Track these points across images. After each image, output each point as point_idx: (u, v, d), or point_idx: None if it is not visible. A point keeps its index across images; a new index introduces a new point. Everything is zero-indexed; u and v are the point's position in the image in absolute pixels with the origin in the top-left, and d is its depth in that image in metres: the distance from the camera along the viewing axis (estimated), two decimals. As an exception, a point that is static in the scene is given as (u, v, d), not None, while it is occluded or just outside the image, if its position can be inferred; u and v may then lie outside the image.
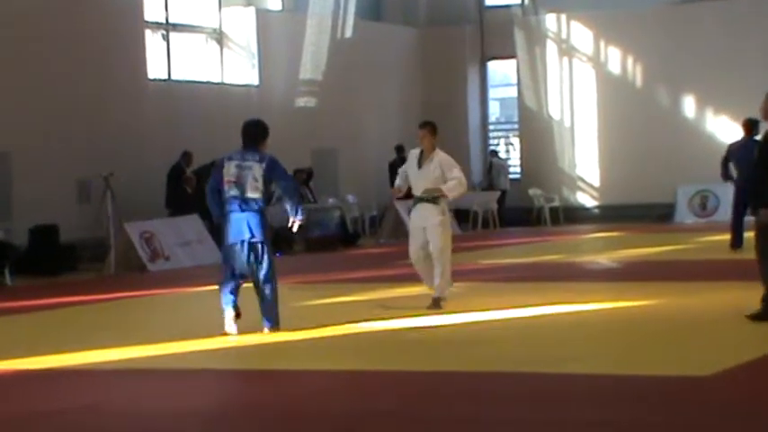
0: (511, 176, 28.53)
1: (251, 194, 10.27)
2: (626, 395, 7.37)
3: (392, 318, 11.05)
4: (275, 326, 10.37)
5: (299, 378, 8.45)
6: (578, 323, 9.94)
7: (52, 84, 19.70)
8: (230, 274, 10.38)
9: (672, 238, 20.93)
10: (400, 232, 23.79)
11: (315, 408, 7.33)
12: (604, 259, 18.02)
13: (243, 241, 10.25)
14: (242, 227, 10.27)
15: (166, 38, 22.80)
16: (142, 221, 18.73)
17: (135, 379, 8.65)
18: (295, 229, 10.72)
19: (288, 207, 10.55)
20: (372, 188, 26.71)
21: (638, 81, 27.50)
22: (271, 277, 10.41)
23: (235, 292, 10.39)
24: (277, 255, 20.50)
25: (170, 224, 19.04)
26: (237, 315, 10.34)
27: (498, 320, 10.76)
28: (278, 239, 21.78)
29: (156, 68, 22.26)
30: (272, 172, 10.35)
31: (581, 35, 27.89)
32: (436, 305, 11.50)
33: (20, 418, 7.30)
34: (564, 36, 28.10)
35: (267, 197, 10.51)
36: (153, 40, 22.39)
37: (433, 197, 11.62)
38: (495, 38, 28.98)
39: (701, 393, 7.38)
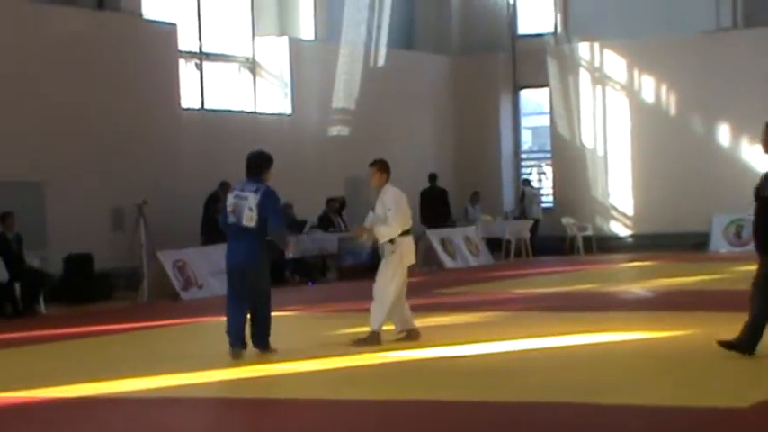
0: (543, 205, 28.44)
1: (246, 223, 10.72)
2: (662, 426, 7.28)
3: (424, 347, 10.99)
4: (266, 348, 10.82)
5: (330, 408, 8.40)
6: (612, 353, 9.86)
7: (86, 113, 19.83)
8: (231, 298, 10.82)
9: (706, 267, 20.76)
10: (432, 261, 23.76)
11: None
12: (638, 289, 17.89)
13: (237, 267, 10.72)
14: (237, 254, 10.76)
15: (200, 67, 22.94)
16: (175, 250, 18.78)
17: (165, 408, 8.64)
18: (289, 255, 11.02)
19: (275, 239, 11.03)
20: (405, 217, 26.62)
21: (672, 109, 27.39)
22: (264, 303, 10.83)
23: (239, 319, 10.70)
24: (309, 284, 20.76)
25: (203, 253, 19.08)
26: (243, 346, 10.71)
27: (531, 350, 10.69)
28: (311, 268, 21.85)
29: (189, 98, 22.38)
30: (264, 204, 10.74)
31: (614, 63, 27.83)
32: (369, 339, 11.33)
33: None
34: (597, 64, 28.05)
35: (264, 224, 10.75)
36: (187, 70, 22.53)
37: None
38: (527, 66, 28.97)
39: (738, 425, 7.29)
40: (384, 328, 11.50)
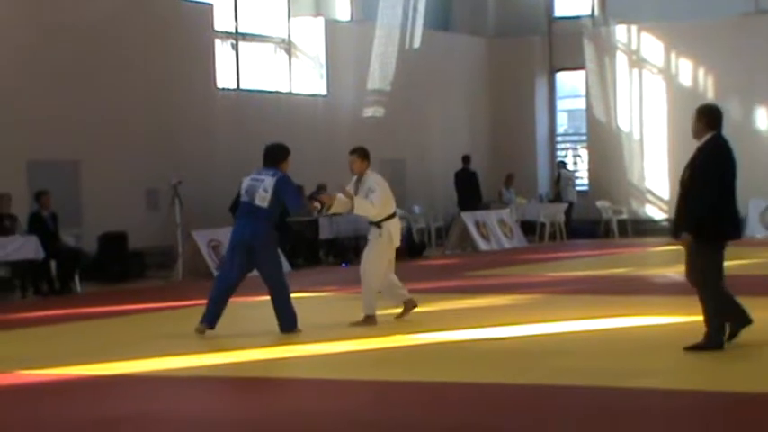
0: (578, 188, 28.31)
1: (258, 203, 10.98)
2: (700, 410, 7.24)
3: (455, 329, 10.98)
4: (287, 328, 10.96)
5: (360, 387, 8.40)
6: (647, 337, 9.80)
7: (122, 93, 19.91)
8: (222, 277, 11.26)
9: (742, 252, 20.56)
10: (467, 243, 23.72)
11: (378, 417, 7.28)
12: (672, 273, 17.76)
13: (244, 242, 10.95)
14: (244, 230, 11.02)
15: (236, 48, 22.96)
16: (210, 230, 18.84)
17: (198, 386, 8.67)
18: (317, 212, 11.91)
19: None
20: (439, 199, 26.65)
21: (710, 93, 27.15)
22: (279, 288, 11.04)
23: (220, 300, 11.07)
24: (343, 265, 20.77)
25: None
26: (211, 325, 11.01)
27: (566, 333, 10.65)
28: (344, 249, 21.86)
29: (225, 78, 22.41)
30: (281, 187, 11.01)
31: (651, 46, 27.61)
32: (365, 322, 11.50)
33: (92, 424, 7.34)
34: (634, 47, 27.84)
35: (276, 208, 11.06)
36: (222, 50, 22.55)
37: (376, 221, 11.76)
38: (563, 49, 28.81)
39: (764, 410, 7.23)
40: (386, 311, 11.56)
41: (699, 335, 9.28)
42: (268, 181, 10.99)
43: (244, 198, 11.13)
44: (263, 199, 10.94)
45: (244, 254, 10.97)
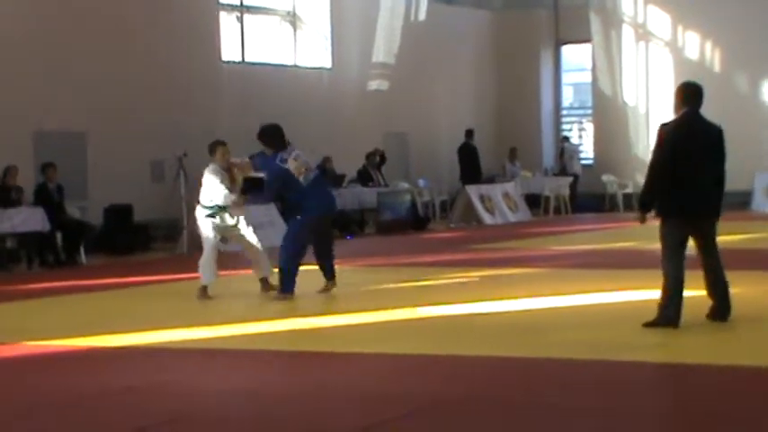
0: (583, 162, 28.30)
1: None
2: (702, 385, 7.27)
3: (458, 302, 11.01)
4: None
5: (366, 360, 8.44)
6: (652, 310, 9.79)
7: (127, 65, 19.89)
8: (304, 246, 11.87)
9: (748, 226, 20.61)
10: (471, 217, 23.73)
11: (385, 389, 7.32)
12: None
13: (332, 211, 12.33)
14: (330, 199, 12.27)
15: (241, 20, 22.91)
16: (215, 202, 18.82)
17: (204, 358, 8.71)
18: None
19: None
20: (443, 172, 26.64)
21: (716, 66, 27.09)
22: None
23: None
24: (348, 237, 20.79)
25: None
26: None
27: (569, 306, 10.68)
28: (349, 222, 21.89)
29: (230, 50, 22.38)
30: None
31: (658, 19, 27.52)
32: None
33: (91, 395, 7.39)
34: (640, 20, 27.75)
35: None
36: (227, 23, 22.51)
37: None
38: (569, 22, 28.72)
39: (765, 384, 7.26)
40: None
41: (702, 308, 9.31)
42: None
43: (308, 176, 11.69)
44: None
45: (328, 222, 12.17)
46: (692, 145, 9.09)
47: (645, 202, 9.20)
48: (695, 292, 10.69)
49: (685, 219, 9.12)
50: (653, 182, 9.10)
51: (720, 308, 9.31)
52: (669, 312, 9.05)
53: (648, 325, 9.08)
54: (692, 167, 9.10)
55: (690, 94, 9.20)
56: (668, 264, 9.11)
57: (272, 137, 11.82)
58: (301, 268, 11.69)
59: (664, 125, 9.20)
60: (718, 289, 9.30)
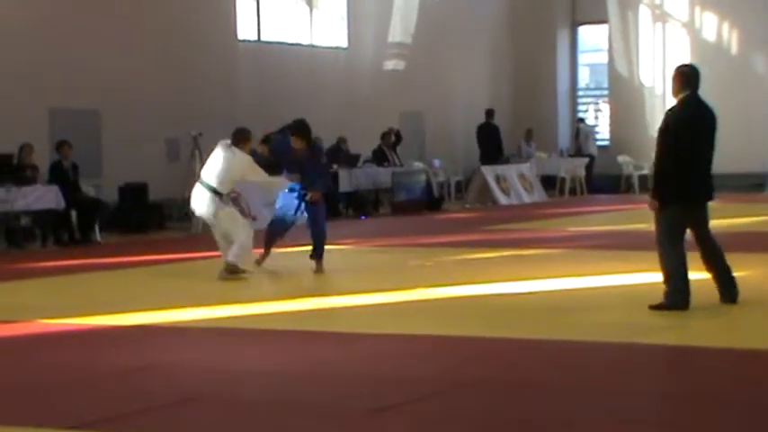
0: (599, 143, 28.20)
1: None
2: (717, 367, 7.25)
3: (477, 283, 10.98)
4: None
5: (381, 341, 8.43)
6: (662, 292, 9.73)
7: (143, 43, 19.88)
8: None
9: (763, 209, 20.53)
10: (486, 197, 23.69)
11: (400, 371, 7.31)
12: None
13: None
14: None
15: (257, -1, 22.85)
16: (230, 182, 18.82)
17: (218, 338, 8.71)
18: None
19: None
20: (459, 153, 26.59)
21: (734, 48, 26.93)
22: None
23: None
24: (362, 217, 20.77)
25: (257, 185, 19.10)
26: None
27: (585, 288, 10.65)
28: (364, 202, 21.87)
29: (246, 29, 22.34)
30: None
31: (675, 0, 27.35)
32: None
33: (104, 374, 7.39)
34: (657, 1, 27.58)
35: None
36: (243, 2, 22.45)
37: None
38: (586, 2, 28.60)
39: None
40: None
41: (709, 290, 9.28)
42: None
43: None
44: None
45: None
46: (701, 128, 9.08)
47: (663, 189, 9.05)
48: (701, 275, 10.68)
49: (693, 203, 9.09)
50: (670, 168, 8.98)
51: (729, 290, 9.25)
52: (680, 297, 9.02)
53: (656, 308, 9.05)
54: (702, 151, 9.10)
55: (691, 77, 9.14)
56: (673, 249, 9.06)
57: (309, 131, 12.27)
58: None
59: (671, 110, 9.13)
60: (723, 272, 9.25)
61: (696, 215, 9.19)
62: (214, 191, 11.90)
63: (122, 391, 6.89)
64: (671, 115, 9.09)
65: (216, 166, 12.03)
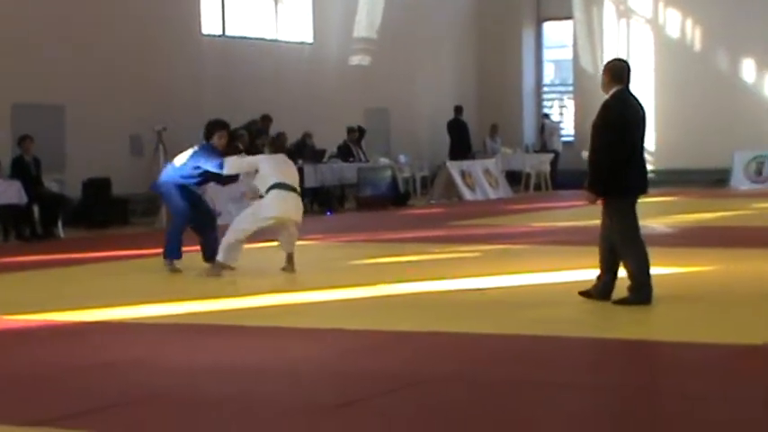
0: (564, 139, 28.31)
1: None
2: (674, 361, 7.28)
3: (441, 278, 10.98)
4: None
5: (345, 336, 8.41)
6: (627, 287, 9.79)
7: (107, 38, 19.75)
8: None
9: (727, 203, 20.68)
10: (451, 193, 23.71)
11: (365, 366, 7.29)
12: (657, 224, 17.81)
13: None
14: None
15: (221, -7, 22.75)
16: (194, 177, 18.74)
17: (181, 334, 8.66)
18: None
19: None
20: (424, 148, 26.61)
21: (697, 44, 27.11)
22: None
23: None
24: (327, 213, 20.74)
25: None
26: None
27: (550, 283, 10.67)
28: (329, 198, 21.83)
29: (211, 24, 22.24)
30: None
31: (639, -4, 27.50)
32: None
33: (71, 370, 7.34)
34: (622, -3, 27.70)
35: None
36: (208, -4, 22.36)
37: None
38: (551, -2, 28.67)
39: (751, 363, 7.26)
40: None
41: (683, 286, 9.33)
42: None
43: None
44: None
45: None
46: (635, 122, 9.14)
47: (602, 184, 9.06)
48: (670, 269, 10.72)
49: (636, 196, 9.13)
50: (607, 163, 9.00)
51: (606, 286, 9.23)
52: (644, 291, 9.06)
53: (619, 302, 9.08)
54: (639, 145, 9.19)
55: (621, 72, 9.19)
56: (634, 245, 9.09)
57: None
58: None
59: (607, 103, 9.15)
60: (613, 268, 9.25)
61: (631, 209, 9.21)
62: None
63: (83, 388, 6.83)
64: (605, 109, 9.12)
65: (288, 167, 11.94)
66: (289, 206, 11.64)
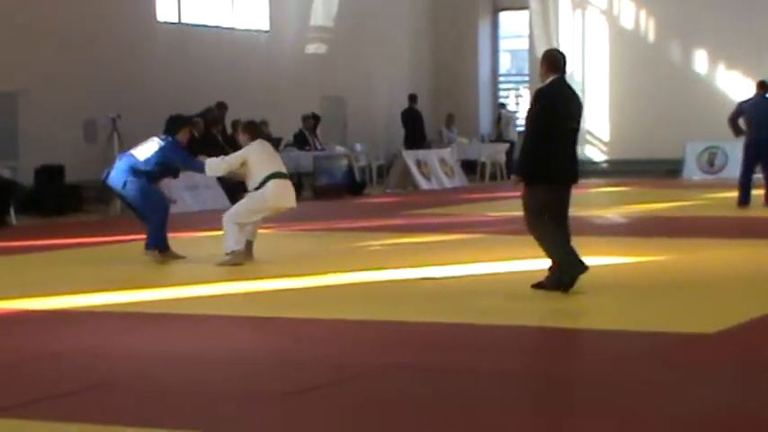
0: (519, 129, 28.39)
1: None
2: (625, 351, 7.34)
3: (395, 267, 11.01)
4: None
5: (304, 325, 8.42)
6: (583, 277, 9.89)
7: (61, 24, 19.58)
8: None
9: (679, 194, 20.87)
10: (407, 182, 23.73)
11: (316, 355, 7.31)
12: (611, 214, 17.96)
13: None
14: None
15: (177, -20, 22.61)
16: (148, 164, 18.63)
17: (136, 323, 8.63)
18: None
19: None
20: (380, 137, 26.61)
21: (651, 35, 27.29)
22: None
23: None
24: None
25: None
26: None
27: (504, 273, 10.73)
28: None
29: (166, 11, 22.10)
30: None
31: (595, -13, 27.63)
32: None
33: (24, 359, 7.29)
34: (577, -12, 27.82)
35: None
36: (163, -18, 22.21)
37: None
38: (507, -12, 28.74)
39: (702, 351, 7.34)
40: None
41: (636, 275, 9.40)
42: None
43: None
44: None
45: None
46: (570, 110, 9.21)
47: (529, 168, 9.14)
48: (621, 259, 10.80)
49: (556, 184, 9.19)
50: (535, 148, 9.06)
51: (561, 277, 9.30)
52: (568, 277, 9.07)
53: (536, 286, 9.13)
54: (572, 132, 9.27)
55: (558, 61, 9.28)
56: (559, 229, 9.15)
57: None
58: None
59: (540, 90, 9.23)
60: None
61: (557, 197, 9.25)
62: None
63: (34, 377, 6.80)
64: (538, 96, 9.19)
65: (276, 155, 12.00)
66: (289, 195, 11.76)
